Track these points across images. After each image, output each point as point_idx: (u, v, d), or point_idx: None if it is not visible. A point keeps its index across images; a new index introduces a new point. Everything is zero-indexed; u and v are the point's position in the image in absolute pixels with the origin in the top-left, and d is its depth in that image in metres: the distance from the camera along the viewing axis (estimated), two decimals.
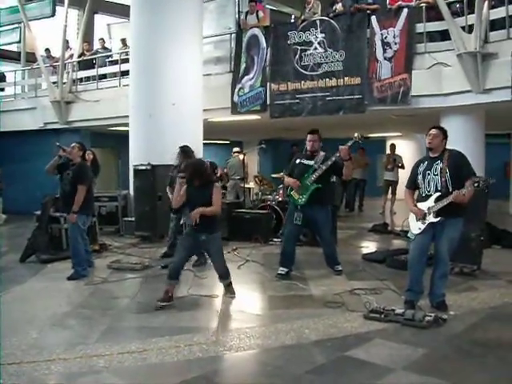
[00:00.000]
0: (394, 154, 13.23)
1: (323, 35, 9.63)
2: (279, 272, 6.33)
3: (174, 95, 9.60)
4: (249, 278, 6.42)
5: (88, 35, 15.09)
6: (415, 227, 4.91)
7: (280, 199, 9.48)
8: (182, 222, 7.30)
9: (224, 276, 5.53)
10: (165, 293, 5.17)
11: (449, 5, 8.55)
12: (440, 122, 8.52)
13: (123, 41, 12.94)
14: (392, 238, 9.46)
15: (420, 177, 4.94)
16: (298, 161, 6.45)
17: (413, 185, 5.10)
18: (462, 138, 8.00)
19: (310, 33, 9.77)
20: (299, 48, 9.89)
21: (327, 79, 9.60)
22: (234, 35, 11.00)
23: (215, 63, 11.34)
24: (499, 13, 8.14)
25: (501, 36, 8.08)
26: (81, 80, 13.40)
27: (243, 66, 10.61)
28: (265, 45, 10.31)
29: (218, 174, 8.65)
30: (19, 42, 15.24)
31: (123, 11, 13.78)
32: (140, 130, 9.93)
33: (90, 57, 13.43)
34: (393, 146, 13.51)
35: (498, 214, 10.94)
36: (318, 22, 9.75)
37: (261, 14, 10.78)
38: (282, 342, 4.20)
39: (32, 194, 10.62)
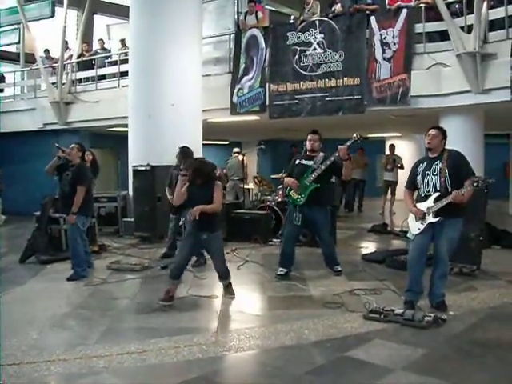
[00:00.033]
0: (393, 155, 13.24)
1: (322, 36, 9.63)
2: (279, 272, 6.34)
3: (173, 96, 9.60)
4: (248, 279, 6.42)
5: (87, 36, 15.12)
6: (415, 227, 4.91)
7: (279, 200, 9.48)
8: (181, 222, 7.30)
9: (224, 276, 5.53)
10: (166, 292, 5.17)
11: (448, 5, 8.55)
12: (439, 123, 8.51)
13: (122, 41, 12.95)
14: (391, 238, 9.47)
15: (419, 177, 4.94)
16: (297, 161, 6.47)
17: (412, 185, 5.10)
18: (461, 138, 7.99)
19: (309, 33, 9.77)
20: (298, 48, 9.88)
21: (326, 80, 9.60)
22: (233, 36, 11.00)
23: (214, 64, 11.34)
24: (498, 13, 8.13)
25: (500, 36, 8.07)
26: (80, 81, 13.39)
27: (242, 66, 10.62)
28: (264, 45, 10.31)
29: (217, 175, 8.64)
30: (18, 42, 15.24)
31: (122, 12, 13.81)
32: (139, 131, 9.92)
33: (89, 57, 13.44)
34: (392, 147, 13.52)
35: (497, 214, 10.95)
36: (317, 23, 9.74)
37: (260, 14, 10.77)
38: (282, 342, 4.20)
39: (31, 195, 10.61)
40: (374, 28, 9.22)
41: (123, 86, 11.54)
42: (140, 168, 9.37)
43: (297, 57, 9.90)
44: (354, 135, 6.09)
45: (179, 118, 9.54)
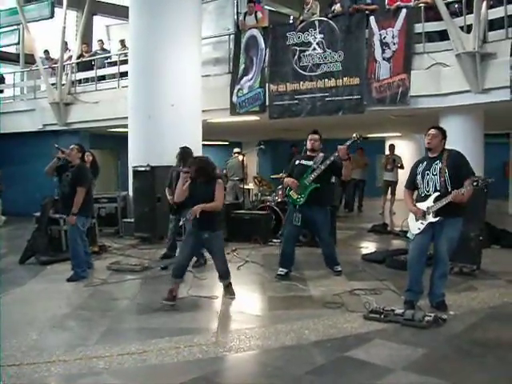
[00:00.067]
0: (393, 155, 13.23)
1: (322, 36, 9.63)
2: (279, 273, 6.34)
3: (173, 96, 9.60)
4: (248, 279, 6.42)
5: (87, 37, 15.13)
6: (414, 227, 4.91)
7: (279, 200, 9.48)
8: (180, 223, 7.28)
9: (224, 276, 5.53)
10: (169, 292, 5.17)
11: (447, 5, 8.55)
12: (439, 122, 8.52)
13: (122, 42, 12.94)
14: (391, 238, 9.47)
15: (419, 177, 4.94)
16: (297, 162, 6.48)
17: (412, 185, 5.10)
18: (461, 137, 7.99)
19: (309, 33, 9.77)
20: (298, 49, 9.88)
21: (326, 80, 9.60)
22: (232, 36, 11.00)
23: (214, 64, 11.34)
24: (498, 13, 8.14)
25: (499, 36, 8.07)
26: (80, 81, 13.39)
27: (242, 66, 10.62)
28: (263, 46, 10.31)
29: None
30: (18, 43, 15.26)
31: (122, 12, 13.83)
32: (139, 132, 9.92)
33: (88, 58, 13.43)
34: (392, 147, 13.52)
35: (497, 214, 10.95)
36: (316, 23, 9.75)
37: (259, 14, 10.77)
38: (282, 342, 4.21)
39: (31, 196, 10.63)
40: (374, 28, 9.23)
41: (123, 87, 11.55)
42: (140, 168, 9.36)
43: (296, 57, 9.90)
44: (354, 135, 6.10)
45: (179, 118, 9.54)
